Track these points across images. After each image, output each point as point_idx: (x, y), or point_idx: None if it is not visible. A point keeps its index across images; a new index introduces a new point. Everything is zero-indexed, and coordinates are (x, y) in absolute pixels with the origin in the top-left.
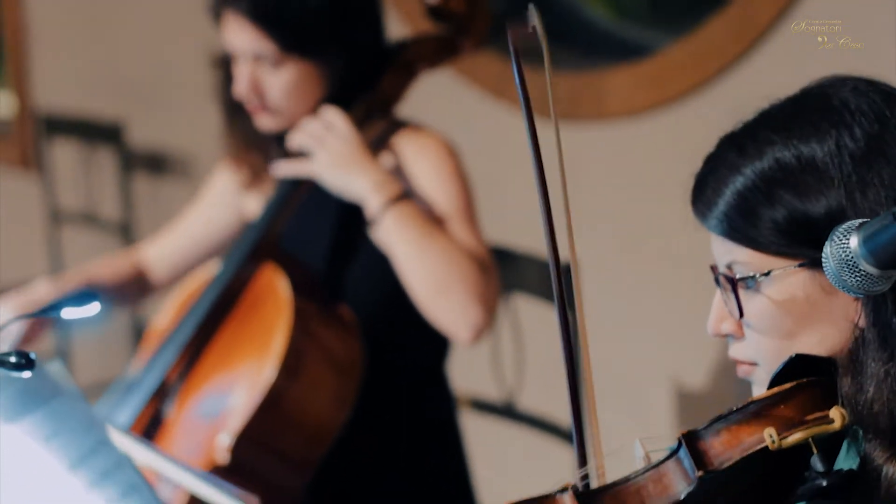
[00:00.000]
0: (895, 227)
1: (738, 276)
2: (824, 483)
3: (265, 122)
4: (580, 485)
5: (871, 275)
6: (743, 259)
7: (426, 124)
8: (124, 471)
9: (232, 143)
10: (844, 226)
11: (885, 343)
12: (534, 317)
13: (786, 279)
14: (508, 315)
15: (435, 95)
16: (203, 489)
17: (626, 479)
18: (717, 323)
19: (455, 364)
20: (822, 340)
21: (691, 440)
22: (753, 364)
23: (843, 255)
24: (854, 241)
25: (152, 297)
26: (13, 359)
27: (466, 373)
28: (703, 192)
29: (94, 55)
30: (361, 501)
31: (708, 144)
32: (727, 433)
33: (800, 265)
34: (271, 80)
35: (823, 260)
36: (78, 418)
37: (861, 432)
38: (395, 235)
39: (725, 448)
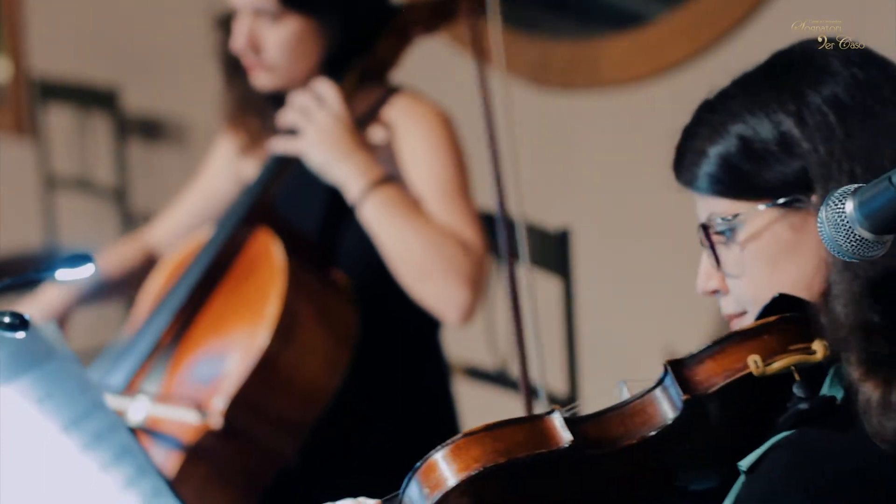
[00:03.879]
0: (891, 191)
1: (714, 228)
2: (806, 406)
3: (261, 80)
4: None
5: (866, 239)
6: (719, 210)
7: (421, 91)
8: (118, 433)
9: (229, 105)
10: (840, 191)
11: (848, 264)
12: (528, 284)
13: (755, 221)
14: (502, 283)
15: (431, 62)
16: None
17: (611, 408)
18: (705, 280)
19: (449, 331)
20: (798, 280)
21: (677, 367)
22: (742, 314)
23: (838, 220)
24: (849, 206)
25: None
26: (7, 319)
27: (461, 340)
28: (683, 156)
29: (90, 20)
30: (354, 467)
31: None
32: (712, 361)
33: (767, 206)
34: (269, 34)
35: (819, 225)
36: (71, 380)
37: (843, 366)
38: (376, 221)
39: (710, 374)
